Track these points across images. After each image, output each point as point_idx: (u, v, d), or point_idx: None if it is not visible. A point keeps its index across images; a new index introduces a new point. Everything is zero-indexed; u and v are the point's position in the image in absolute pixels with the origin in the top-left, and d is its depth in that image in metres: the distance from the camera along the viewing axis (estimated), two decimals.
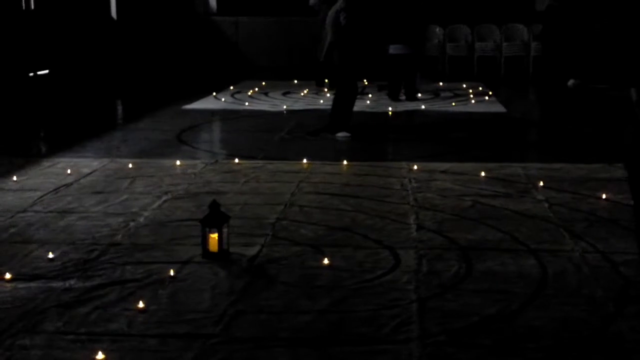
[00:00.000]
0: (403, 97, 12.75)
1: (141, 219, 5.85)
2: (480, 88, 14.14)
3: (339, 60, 9.35)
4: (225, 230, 4.96)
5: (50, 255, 4.96)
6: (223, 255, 4.93)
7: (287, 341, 3.78)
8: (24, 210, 6.08)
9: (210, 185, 6.94)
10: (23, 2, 13.10)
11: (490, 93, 13.52)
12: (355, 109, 9.87)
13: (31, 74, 13.34)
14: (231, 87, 14.40)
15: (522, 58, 16.44)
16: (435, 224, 5.73)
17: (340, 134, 9.50)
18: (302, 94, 13.65)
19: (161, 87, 15.01)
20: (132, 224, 5.72)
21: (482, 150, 8.73)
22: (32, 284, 4.50)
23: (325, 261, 4.87)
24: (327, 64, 9.55)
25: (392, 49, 12.51)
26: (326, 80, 13.61)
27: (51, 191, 6.67)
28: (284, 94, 13.72)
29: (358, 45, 9.43)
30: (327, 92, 13.34)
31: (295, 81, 14.51)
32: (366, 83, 14.04)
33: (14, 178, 7.12)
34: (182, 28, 17.00)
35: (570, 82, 14.62)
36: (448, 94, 13.53)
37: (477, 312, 4.10)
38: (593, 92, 13.79)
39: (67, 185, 6.89)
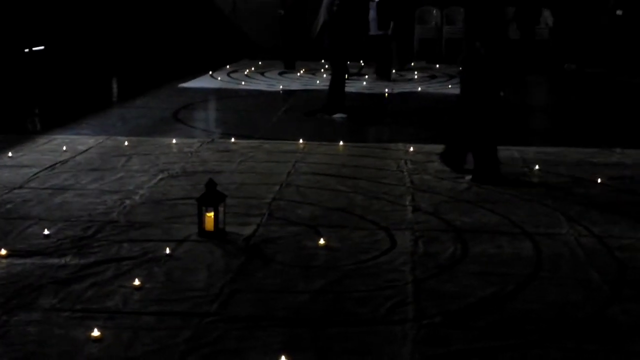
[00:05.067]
0: (395, 75, 13.16)
1: (137, 197, 5.84)
2: None
3: (329, 43, 9.43)
4: (221, 209, 4.95)
5: (46, 232, 4.95)
6: (219, 234, 4.93)
7: (283, 321, 3.78)
8: (20, 187, 6.06)
9: (206, 164, 6.93)
10: None
11: None
12: (353, 90, 9.88)
13: (27, 50, 13.28)
14: (228, 66, 14.37)
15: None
16: (432, 205, 5.73)
17: (337, 115, 9.50)
18: (298, 74, 13.64)
19: (158, 65, 14.95)
20: (128, 201, 5.71)
21: None
22: (28, 260, 4.50)
23: (322, 241, 4.87)
24: (318, 43, 9.62)
25: (372, 31, 12.85)
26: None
27: (47, 168, 6.66)
28: (281, 73, 13.69)
29: (347, 31, 9.50)
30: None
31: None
32: (363, 64, 14.02)
33: (10, 154, 7.10)
34: (179, 6, 16.90)
35: (566, 65, 14.64)
36: (444, 76, 13.52)
37: (473, 294, 4.11)
38: (590, 76, 13.79)
39: (63, 162, 6.87)
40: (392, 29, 12.79)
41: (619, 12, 14.84)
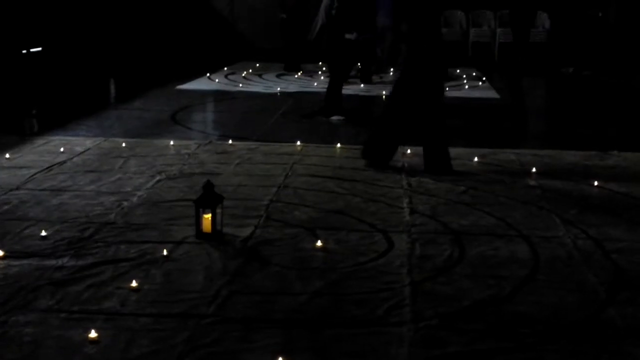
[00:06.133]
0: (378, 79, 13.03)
1: (135, 199, 5.84)
2: (474, 74, 14.14)
3: (327, 45, 9.45)
4: (219, 211, 4.96)
5: (43, 233, 4.95)
6: (216, 236, 4.94)
7: (280, 322, 3.79)
8: (17, 188, 6.06)
9: (204, 166, 6.93)
10: None
11: (484, 79, 13.52)
12: (350, 92, 9.86)
13: (24, 51, 13.27)
14: (225, 68, 14.37)
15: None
16: (428, 208, 5.74)
17: (334, 117, 9.51)
18: (296, 76, 13.64)
19: (155, 67, 14.95)
20: (125, 203, 5.72)
21: (475, 135, 8.75)
22: (25, 262, 4.50)
23: (319, 243, 4.88)
24: (316, 45, 9.64)
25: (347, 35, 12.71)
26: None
27: (44, 169, 6.66)
28: (278, 75, 13.70)
29: (345, 33, 9.51)
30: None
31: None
32: (360, 67, 14.00)
33: (7, 155, 7.10)
34: (176, 7, 16.90)
35: (565, 69, 14.66)
36: None
37: (469, 297, 4.12)
38: (588, 80, 13.82)
39: (61, 164, 6.87)
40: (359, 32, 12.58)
41: (599, 14, 14.91)
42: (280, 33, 14.31)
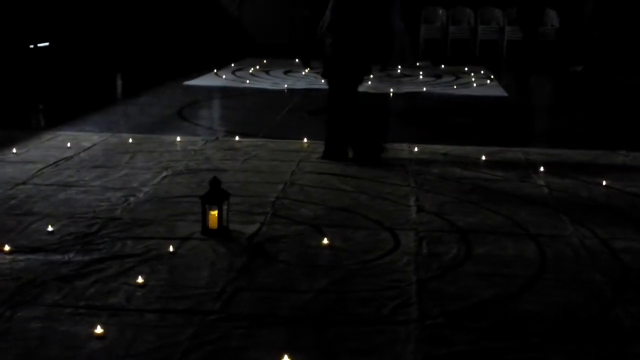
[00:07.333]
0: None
1: (141, 194, 5.84)
2: (482, 72, 14.10)
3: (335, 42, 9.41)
4: (225, 207, 4.95)
5: (50, 228, 4.95)
6: (223, 233, 4.93)
7: (285, 319, 3.78)
8: (24, 183, 6.07)
9: (210, 162, 6.93)
10: None
11: (492, 77, 13.49)
12: None
13: (31, 46, 13.28)
14: (232, 64, 14.37)
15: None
16: (435, 206, 5.72)
17: None
18: (303, 73, 13.63)
19: (162, 62, 14.95)
20: (132, 199, 5.72)
21: (483, 133, 8.72)
22: (31, 257, 4.50)
23: (325, 241, 4.87)
24: (322, 41, 9.61)
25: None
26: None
27: (51, 164, 6.66)
28: (286, 72, 13.68)
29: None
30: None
31: (297, 60, 14.48)
32: None
33: (14, 150, 7.10)
34: (184, 3, 16.89)
35: (573, 67, 14.62)
36: (450, 77, 13.50)
37: (476, 295, 4.11)
38: (596, 78, 13.77)
39: (67, 159, 6.88)
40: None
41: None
42: (303, 30, 14.17)
